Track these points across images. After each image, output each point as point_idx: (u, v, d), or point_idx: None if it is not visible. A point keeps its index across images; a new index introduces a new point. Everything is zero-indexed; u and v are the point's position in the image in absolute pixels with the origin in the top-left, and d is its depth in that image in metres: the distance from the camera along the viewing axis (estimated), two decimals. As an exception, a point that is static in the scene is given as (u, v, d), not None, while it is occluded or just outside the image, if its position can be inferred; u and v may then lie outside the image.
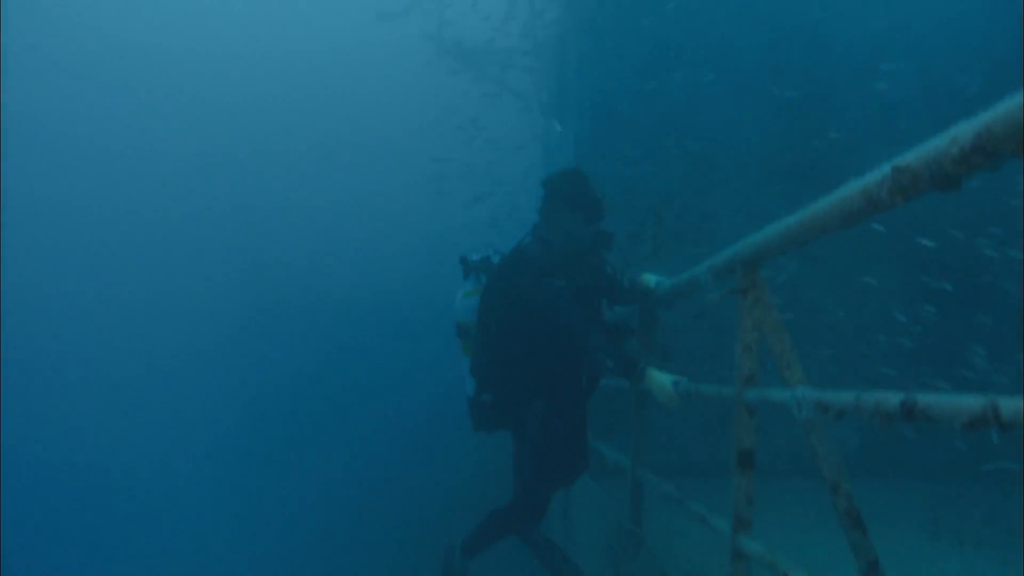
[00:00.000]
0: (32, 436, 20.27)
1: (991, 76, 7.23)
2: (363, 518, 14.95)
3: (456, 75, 15.91)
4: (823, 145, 7.59)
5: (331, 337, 19.89)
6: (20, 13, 25.46)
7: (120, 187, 27.16)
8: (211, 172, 27.13)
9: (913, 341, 7.59)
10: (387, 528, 14.09)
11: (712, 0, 8.13)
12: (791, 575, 2.36)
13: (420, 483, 14.44)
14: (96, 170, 27.36)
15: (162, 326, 24.30)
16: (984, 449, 6.77)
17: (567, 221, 4.75)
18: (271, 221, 24.37)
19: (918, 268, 7.71)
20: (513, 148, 15.23)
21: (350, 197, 25.23)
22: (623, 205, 7.47)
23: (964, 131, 1.48)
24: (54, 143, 26.74)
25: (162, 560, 17.64)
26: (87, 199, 26.75)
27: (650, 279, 4.83)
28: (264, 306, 21.71)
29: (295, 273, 22.19)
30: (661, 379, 4.00)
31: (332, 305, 20.49)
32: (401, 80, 24.56)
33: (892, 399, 1.76)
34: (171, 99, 28.65)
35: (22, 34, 25.63)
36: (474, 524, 5.14)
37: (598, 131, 8.16)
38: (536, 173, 12.11)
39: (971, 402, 1.47)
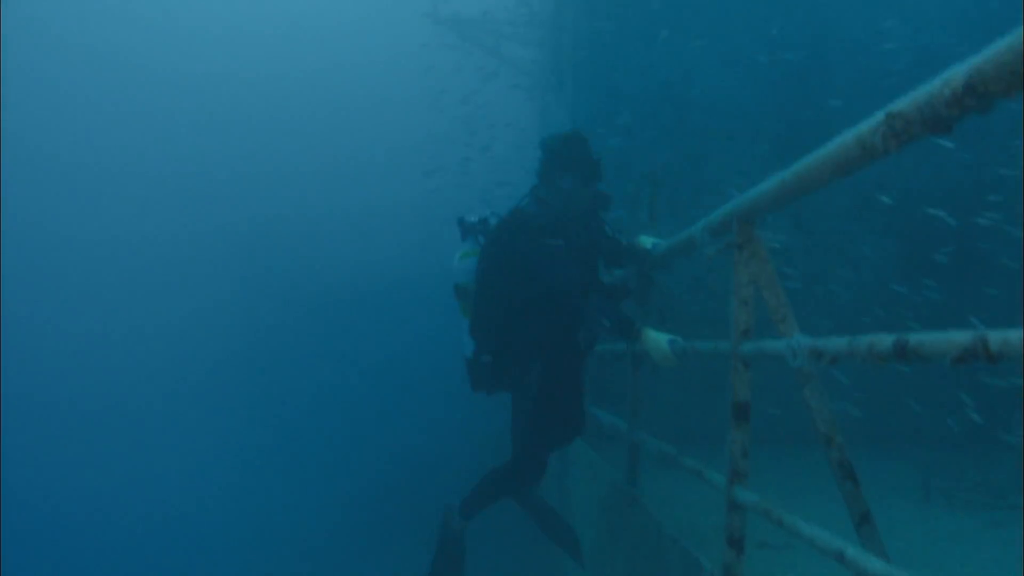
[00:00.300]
0: (32, 437, 20.31)
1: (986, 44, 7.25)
2: (364, 484, 15.11)
3: (453, 50, 15.88)
4: (821, 115, 7.62)
5: (326, 313, 19.90)
6: (19, 23, 25.37)
7: (114, 176, 27.16)
8: (206, 152, 27.12)
9: (912, 312, 7.65)
10: (387, 493, 14.26)
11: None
12: (785, 520, 2.42)
13: (419, 450, 14.59)
14: (87, 164, 27.35)
15: (156, 309, 24.30)
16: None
17: (565, 182, 4.78)
18: (265, 201, 24.32)
19: (919, 240, 7.78)
20: (510, 120, 15.19)
21: (345, 176, 25.19)
22: (619, 175, 7.50)
23: (956, 74, 1.52)
24: (48, 146, 26.67)
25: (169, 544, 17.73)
26: (81, 196, 26.73)
27: (647, 241, 4.87)
28: (258, 285, 21.70)
29: (289, 254, 22.16)
30: (657, 338, 4.05)
31: (327, 282, 20.47)
32: (399, 58, 24.53)
33: (885, 340, 1.80)
34: (163, 80, 28.59)
35: (21, 44, 25.55)
36: (472, 485, 5.20)
37: (595, 101, 8.18)
38: (532, 145, 12.12)
39: (961, 337, 1.51)
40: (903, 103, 1.72)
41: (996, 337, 1.42)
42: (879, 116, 1.83)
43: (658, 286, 5.13)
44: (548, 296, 4.61)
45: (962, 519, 5.18)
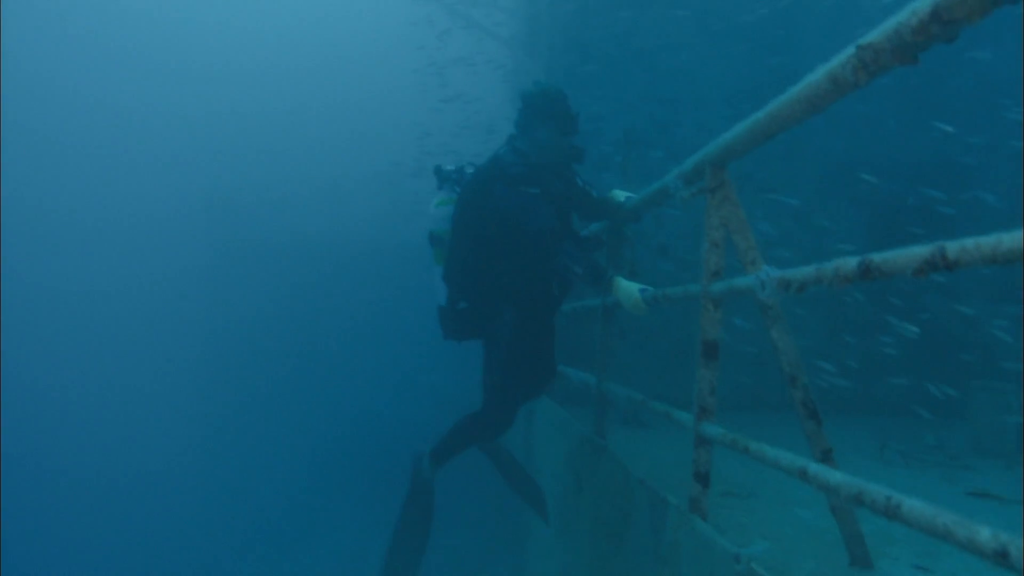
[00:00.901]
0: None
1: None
2: (335, 436, 15.28)
3: (423, 23, 15.84)
4: (793, 82, 7.71)
5: (300, 277, 19.80)
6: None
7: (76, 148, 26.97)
8: (187, 123, 26.98)
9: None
10: (358, 444, 14.46)
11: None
12: (752, 448, 2.52)
13: (389, 410, 14.77)
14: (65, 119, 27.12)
15: (128, 275, 24.18)
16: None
17: (542, 134, 4.86)
18: (246, 181, 24.07)
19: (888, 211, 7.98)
20: (483, 92, 15.18)
21: (318, 143, 25.10)
22: (590, 141, 7.58)
23: (923, 2, 1.61)
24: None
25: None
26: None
27: (620, 195, 4.97)
28: (236, 251, 21.50)
29: (262, 223, 21.97)
30: (628, 287, 4.14)
31: (301, 251, 20.35)
32: (372, 25, 24.50)
33: (850, 263, 1.90)
34: (139, 50, 28.36)
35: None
36: (442, 432, 5.28)
37: (568, 66, 8.23)
38: (504, 120, 12.16)
39: (920, 250, 1.61)
40: (873, 34, 1.81)
41: (953, 246, 1.52)
42: (850, 49, 1.92)
43: (629, 240, 5.22)
44: (523, 243, 4.68)
45: (916, 475, 5.34)
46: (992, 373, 7.14)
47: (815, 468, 2.11)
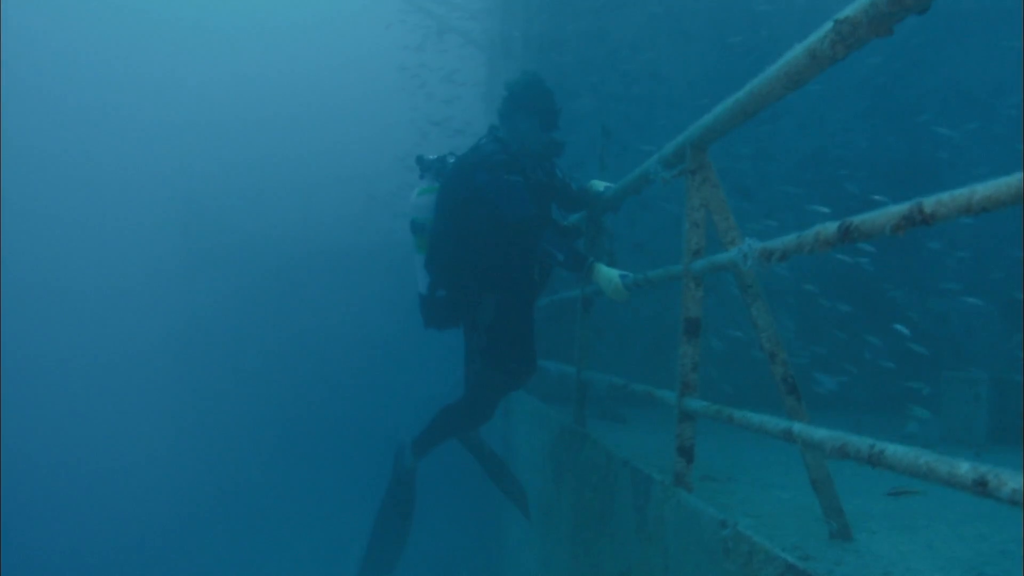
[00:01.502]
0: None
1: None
2: (314, 434, 15.33)
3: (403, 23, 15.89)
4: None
5: (282, 283, 19.75)
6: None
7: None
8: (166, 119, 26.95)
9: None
10: (337, 440, 14.51)
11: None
12: (736, 416, 2.59)
13: (366, 403, 14.86)
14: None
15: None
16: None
17: (524, 126, 4.95)
18: (226, 178, 23.98)
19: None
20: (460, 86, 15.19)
21: (292, 140, 25.07)
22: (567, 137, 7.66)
23: (899, -28, 1.69)
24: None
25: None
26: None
27: (598, 184, 5.05)
28: (214, 257, 21.42)
29: (237, 224, 21.89)
30: (608, 273, 4.22)
31: (276, 253, 20.30)
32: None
33: (830, 227, 1.97)
34: (121, 60, 28.31)
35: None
36: (424, 423, 5.33)
37: (543, 67, 8.30)
38: (481, 118, 12.23)
39: (898, 208, 1.69)
40: (850, 8, 1.89)
41: (929, 200, 1.60)
42: (827, 24, 2.00)
43: (608, 231, 5.31)
44: (504, 229, 4.75)
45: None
46: (965, 365, 7.30)
47: (799, 427, 2.18)
